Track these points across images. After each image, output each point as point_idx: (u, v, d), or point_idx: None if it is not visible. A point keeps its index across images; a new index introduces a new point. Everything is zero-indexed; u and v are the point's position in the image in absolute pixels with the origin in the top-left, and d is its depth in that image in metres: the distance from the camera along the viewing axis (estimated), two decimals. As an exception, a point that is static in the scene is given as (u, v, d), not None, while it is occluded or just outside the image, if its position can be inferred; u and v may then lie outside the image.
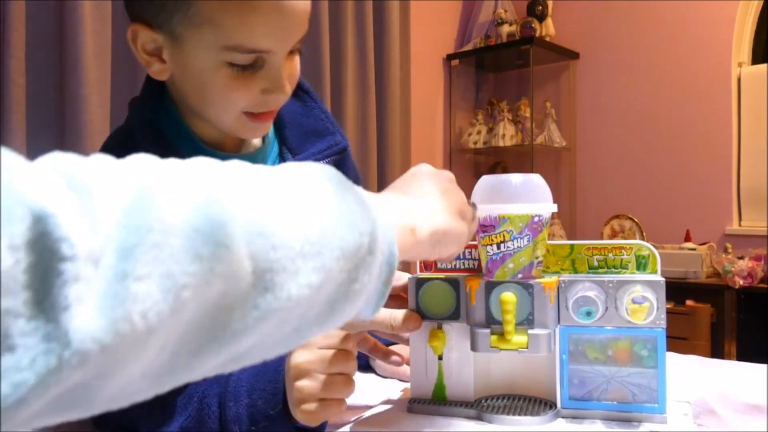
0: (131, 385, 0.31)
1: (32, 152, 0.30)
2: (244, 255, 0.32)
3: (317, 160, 0.83)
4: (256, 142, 0.85)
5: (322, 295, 0.38)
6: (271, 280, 0.34)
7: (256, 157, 0.82)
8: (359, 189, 0.44)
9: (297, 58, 0.75)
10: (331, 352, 0.62)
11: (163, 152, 0.72)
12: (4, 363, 0.24)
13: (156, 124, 0.77)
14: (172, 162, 0.35)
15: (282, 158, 0.85)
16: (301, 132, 0.86)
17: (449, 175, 0.58)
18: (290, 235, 0.35)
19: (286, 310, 0.35)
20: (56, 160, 0.30)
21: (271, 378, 0.63)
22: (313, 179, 0.41)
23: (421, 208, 0.52)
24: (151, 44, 0.72)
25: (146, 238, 0.29)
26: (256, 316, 0.34)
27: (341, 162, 0.91)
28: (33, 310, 0.25)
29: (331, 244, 0.37)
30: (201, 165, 0.36)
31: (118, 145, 0.77)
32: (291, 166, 0.42)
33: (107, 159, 0.32)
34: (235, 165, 0.37)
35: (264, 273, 0.33)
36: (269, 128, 0.79)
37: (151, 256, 0.28)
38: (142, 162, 0.34)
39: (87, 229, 0.27)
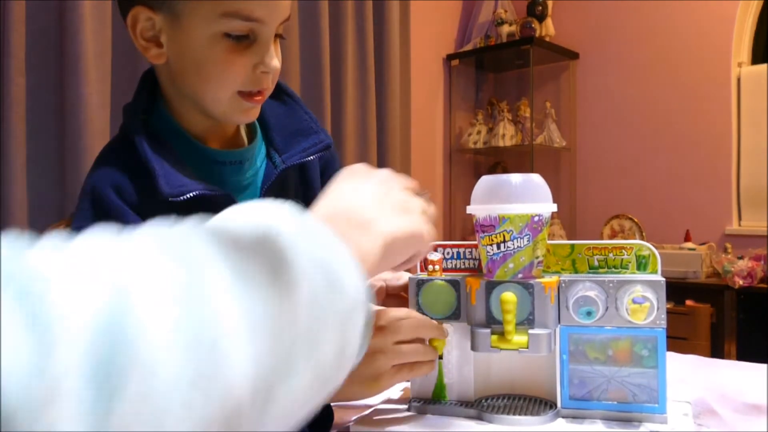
0: None
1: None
2: (245, 387, 0.29)
3: (303, 157, 0.86)
4: (244, 139, 0.87)
5: (316, 384, 0.35)
6: (270, 394, 0.31)
7: (246, 153, 0.84)
8: (316, 230, 0.40)
9: (278, 45, 0.79)
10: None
11: (158, 150, 0.74)
12: None
13: (149, 125, 0.79)
14: (143, 266, 0.28)
15: (269, 158, 0.87)
16: (286, 132, 0.89)
17: (384, 173, 0.55)
18: (281, 337, 0.32)
19: (291, 410, 0.33)
20: (24, 274, 0.24)
21: None
22: (282, 245, 0.36)
23: (363, 226, 0.48)
24: (150, 30, 0.75)
25: (124, 402, 0.23)
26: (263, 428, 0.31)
27: (327, 159, 0.93)
28: None
29: (318, 336, 0.35)
30: (176, 267, 0.30)
31: (116, 150, 0.79)
32: (257, 233, 0.37)
33: (74, 269, 0.26)
34: (207, 255, 0.31)
35: (265, 391, 0.31)
36: (257, 114, 0.82)
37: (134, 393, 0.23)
38: (113, 270, 0.27)
39: (42, 385, 0.22)
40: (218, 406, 0.27)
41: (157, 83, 0.82)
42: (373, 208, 0.50)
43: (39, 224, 1.76)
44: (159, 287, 0.27)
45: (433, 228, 0.57)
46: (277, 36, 0.77)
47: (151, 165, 0.72)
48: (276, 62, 0.77)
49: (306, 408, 0.36)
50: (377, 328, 0.66)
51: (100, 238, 0.30)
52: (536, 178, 0.65)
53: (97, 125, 1.90)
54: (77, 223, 0.73)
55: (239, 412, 0.29)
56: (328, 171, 0.94)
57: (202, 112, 0.79)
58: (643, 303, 0.61)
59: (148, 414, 0.24)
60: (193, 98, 0.78)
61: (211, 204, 0.76)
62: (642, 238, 3.19)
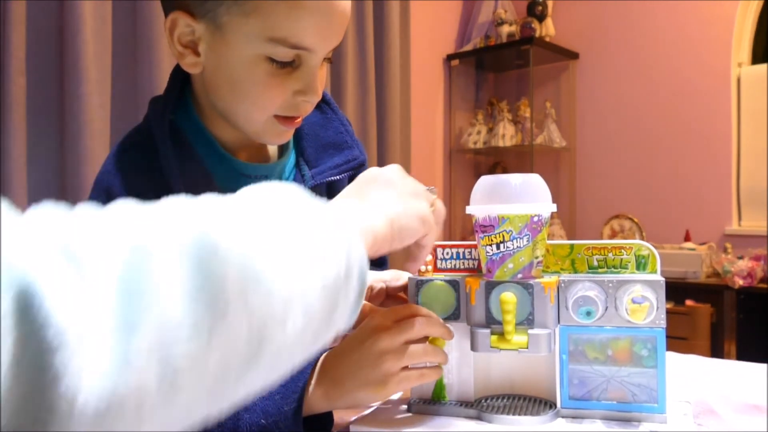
0: None
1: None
2: (242, 314, 0.32)
3: (333, 174, 0.82)
4: (273, 152, 0.84)
5: (307, 335, 0.38)
6: (264, 333, 0.34)
7: (274, 168, 0.81)
8: (324, 204, 0.45)
9: (325, 68, 0.75)
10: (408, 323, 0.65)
11: (182, 154, 0.72)
12: None
13: (176, 126, 0.76)
14: (159, 208, 0.34)
15: (298, 169, 0.83)
16: (319, 144, 0.85)
17: (394, 167, 0.62)
18: (280, 278, 0.35)
19: (277, 359, 0.36)
20: (46, 222, 0.29)
21: (293, 375, 0.62)
22: (288, 206, 0.41)
23: (375, 205, 0.54)
24: (188, 36, 0.71)
25: (145, 318, 0.28)
26: (251, 374, 0.34)
27: (357, 176, 0.90)
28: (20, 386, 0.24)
29: (315, 283, 0.38)
30: (186, 209, 0.35)
31: (137, 147, 0.76)
32: (265, 192, 0.43)
33: (95, 216, 0.31)
34: (219, 202, 0.37)
35: (260, 329, 0.34)
36: (290, 137, 0.78)
37: (150, 338, 0.28)
38: (130, 216, 0.32)
39: (80, 305, 0.26)
40: (221, 337, 0.31)
41: (187, 80, 0.78)
42: (384, 191, 0.56)
43: (39, 224, 1.76)
44: (169, 235, 0.31)
45: (439, 219, 0.61)
46: (325, 60, 0.73)
47: (173, 182, 0.69)
48: (319, 91, 0.72)
49: (293, 357, 0.39)
50: (383, 328, 0.64)
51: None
52: (536, 179, 0.65)
53: (97, 125, 1.90)
54: None
55: (235, 346, 0.32)
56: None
57: (233, 126, 0.76)
58: (642, 303, 0.61)
59: (163, 342, 0.29)
60: (225, 113, 0.74)
61: None
62: (642, 238, 3.19)
